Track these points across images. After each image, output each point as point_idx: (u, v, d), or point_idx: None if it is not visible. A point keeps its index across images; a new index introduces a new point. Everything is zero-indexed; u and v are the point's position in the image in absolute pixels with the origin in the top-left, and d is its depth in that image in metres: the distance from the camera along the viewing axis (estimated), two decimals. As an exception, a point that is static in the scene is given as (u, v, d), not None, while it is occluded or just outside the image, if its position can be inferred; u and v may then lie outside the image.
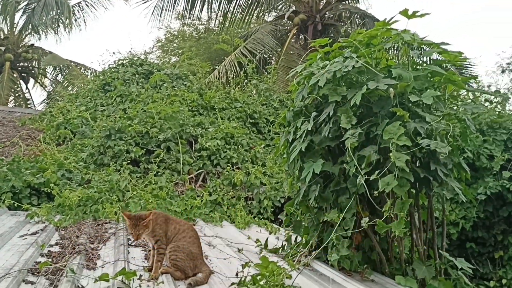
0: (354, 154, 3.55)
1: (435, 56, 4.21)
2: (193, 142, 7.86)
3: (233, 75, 13.27)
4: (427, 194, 3.90)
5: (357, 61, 3.67)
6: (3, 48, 19.98)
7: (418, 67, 3.92)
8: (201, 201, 6.42)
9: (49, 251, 3.98)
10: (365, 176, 3.41)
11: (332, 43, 4.23)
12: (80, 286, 3.15)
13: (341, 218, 3.65)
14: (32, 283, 3.11)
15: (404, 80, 3.57)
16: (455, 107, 4.02)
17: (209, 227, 5.61)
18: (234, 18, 17.20)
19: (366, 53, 3.79)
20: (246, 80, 11.94)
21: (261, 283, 3.14)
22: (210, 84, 11.75)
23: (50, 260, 3.65)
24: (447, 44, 3.88)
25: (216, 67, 14.25)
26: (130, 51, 12.32)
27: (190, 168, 7.41)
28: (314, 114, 3.92)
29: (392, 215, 3.41)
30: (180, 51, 19.94)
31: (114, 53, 26.10)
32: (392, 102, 3.55)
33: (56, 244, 4.26)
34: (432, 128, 3.43)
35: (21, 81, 21.50)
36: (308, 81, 4.02)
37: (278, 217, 6.57)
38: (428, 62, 4.15)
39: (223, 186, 6.99)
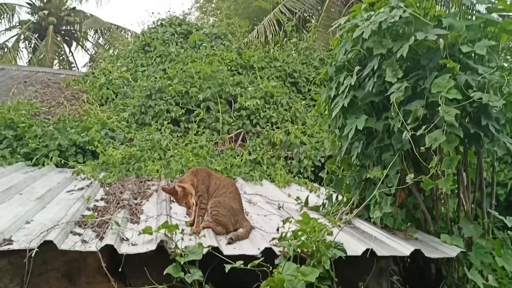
0: (400, 109, 3.42)
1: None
2: (233, 101, 7.82)
3: (272, 34, 12.99)
4: (477, 151, 3.73)
5: (404, 11, 3.47)
6: (46, 12, 20.34)
7: (470, 16, 3.68)
8: (241, 160, 6.44)
9: (95, 205, 4.10)
10: (411, 131, 3.29)
11: (377, -6, 4.02)
12: (124, 238, 3.23)
13: (384, 175, 3.55)
14: (79, 234, 3.21)
15: (455, 30, 3.36)
16: (509, 59, 3.77)
17: (249, 186, 5.63)
18: (273, -25, 16.71)
19: (414, 2, 3.58)
20: (285, 39, 11.67)
21: (302, 238, 3.12)
22: (249, 43, 11.57)
23: (96, 213, 3.75)
24: (503, -10, 3.61)
25: (255, 27, 13.98)
26: (168, 11, 12.20)
27: (230, 128, 7.40)
28: (357, 68, 3.77)
29: (439, 172, 3.29)
30: (218, 12, 19.68)
31: (153, 13, 26.15)
32: (442, 53, 3.37)
33: (101, 199, 4.38)
34: (484, 81, 3.24)
35: (65, 45, 21.93)
36: (352, 34, 3.86)
37: (319, 174, 6.51)
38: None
39: (263, 146, 6.96)
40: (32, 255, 2.78)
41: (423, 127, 3.25)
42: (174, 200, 3.74)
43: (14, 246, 2.86)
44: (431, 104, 3.34)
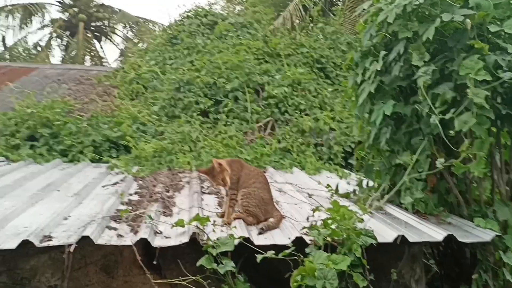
0: (428, 92, 3.37)
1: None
2: (260, 90, 7.81)
3: (299, 20, 12.86)
4: (510, 132, 3.63)
5: (429, -8, 3.39)
6: (76, 9, 20.77)
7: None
8: (271, 148, 6.46)
9: (129, 199, 4.20)
10: (440, 115, 3.23)
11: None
12: (158, 231, 3.31)
13: (414, 160, 3.51)
14: (115, 229, 3.31)
15: (482, 9, 3.27)
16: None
17: (279, 174, 5.65)
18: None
19: (440, -18, 3.49)
20: (311, 24, 11.53)
21: (332, 226, 3.13)
22: (275, 30, 11.50)
23: (130, 207, 3.85)
24: (534, -36, 3.47)
25: (280, 13, 13.88)
26: (194, 2, 12.26)
27: (259, 117, 7.39)
28: (383, 53, 3.72)
29: (471, 156, 3.23)
30: (244, 0, 19.65)
31: (178, 5, 26.39)
32: (469, 34, 3.29)
33: (135, 193, 4.49)
34: (515, 60, 3.14)
35: (95, 40, 22.37)
36: (376, 19, 3.81)
37: (349, 161, 6.47)
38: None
39: (292, 133, 6.95)
40: (71, 250, 2.90)
41: (452, 110, 3.19)
42: (209, 180, 3.78)
43: (54, 242, 2.98)
44: (460, 86, 3.27)
